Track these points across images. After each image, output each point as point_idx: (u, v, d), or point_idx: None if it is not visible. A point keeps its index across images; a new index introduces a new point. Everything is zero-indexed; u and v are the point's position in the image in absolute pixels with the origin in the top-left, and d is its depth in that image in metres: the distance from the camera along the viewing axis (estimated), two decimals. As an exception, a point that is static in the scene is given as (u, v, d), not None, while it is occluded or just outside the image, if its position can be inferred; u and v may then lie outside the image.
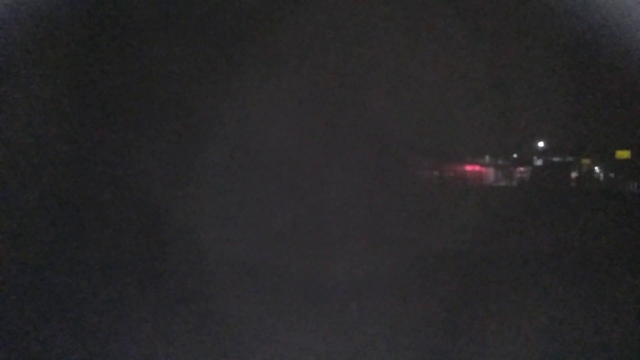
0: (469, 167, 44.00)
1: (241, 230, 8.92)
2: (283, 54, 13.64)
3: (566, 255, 7.60)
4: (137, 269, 6.23)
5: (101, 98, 8.62)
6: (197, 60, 11.08)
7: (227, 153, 11.99)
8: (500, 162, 63.20)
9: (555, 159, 46.52)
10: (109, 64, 8.69)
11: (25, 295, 5.21)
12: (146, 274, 6.03)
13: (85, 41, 8.31)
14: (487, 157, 54.53)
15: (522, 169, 61.38)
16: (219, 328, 4.51)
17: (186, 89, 10.84)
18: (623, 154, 41.00)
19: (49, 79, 7.74)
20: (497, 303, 5.34)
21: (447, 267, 7.14)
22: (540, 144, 52.25)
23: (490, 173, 60.51)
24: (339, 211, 12.44)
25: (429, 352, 4.07)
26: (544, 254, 7.75)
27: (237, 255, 6.93)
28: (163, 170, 9.85)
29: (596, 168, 54.09)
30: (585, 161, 51.67)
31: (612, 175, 45.82)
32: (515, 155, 61.02)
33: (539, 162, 47.62)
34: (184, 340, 4.20)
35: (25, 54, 7.47)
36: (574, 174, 46.52)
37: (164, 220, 8.62)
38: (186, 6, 10.57)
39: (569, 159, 47.99)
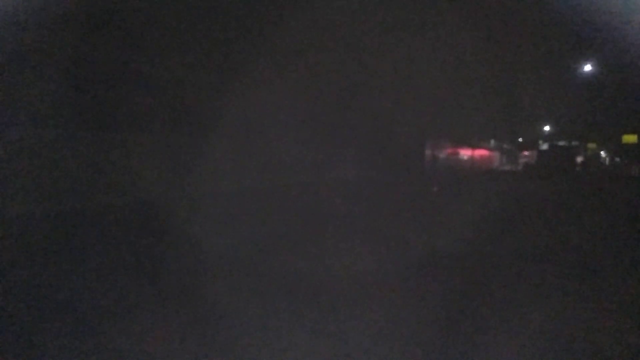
0: (471, 152, 43.39)
1: (240, 229, 8.84)
2: (299, 44, 13.36)
3: (568, 254, 7.48)
4: (135, 268, 6.16)
5: (98, 97, 8.50)
6: (200, 57, 10.88)
7: (228, 147, 11.88)
8: (505, 146, 62.59)
9: (561, 143, 45.92)
10: (106, 64, 8.53)
11: (20, 296, 5.15)
12: (145, 273, 5.95)
13: (84, 40, 8.15)
14: (492, 141, 54.02)
15: (527, 153, 60.81)
16: (218, 328, 4.44)
17: (185, 85, 10.68)
18: (630, 138, 40.40)
19: (51, 77, 7.62)
20: (498, 302, 5.24)
21: (446, 259, 7.04)
22: (546, 127, 51.74)
23: (494, 157, 59.91)
24: (341, 207, 12.37)
25: (429, 353, 3.99)
26: (545, 251, 7.63)
27: (236, 254, 6.86)
28: (161, 168, 9.75)
29: (602, 152, 53.58)
30: (591, 145, 51.14)
31: (617, 159, 45.32)
32: (520, 140, 60.40)
33: (544, 146, 47.03)
34: (182, 340, 4.13)
35: (27, 52, 7.33)
36: (579, 159, 46.06)
37: (162, 219, 8.58)
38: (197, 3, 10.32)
39: (574, 143, 47.43)
